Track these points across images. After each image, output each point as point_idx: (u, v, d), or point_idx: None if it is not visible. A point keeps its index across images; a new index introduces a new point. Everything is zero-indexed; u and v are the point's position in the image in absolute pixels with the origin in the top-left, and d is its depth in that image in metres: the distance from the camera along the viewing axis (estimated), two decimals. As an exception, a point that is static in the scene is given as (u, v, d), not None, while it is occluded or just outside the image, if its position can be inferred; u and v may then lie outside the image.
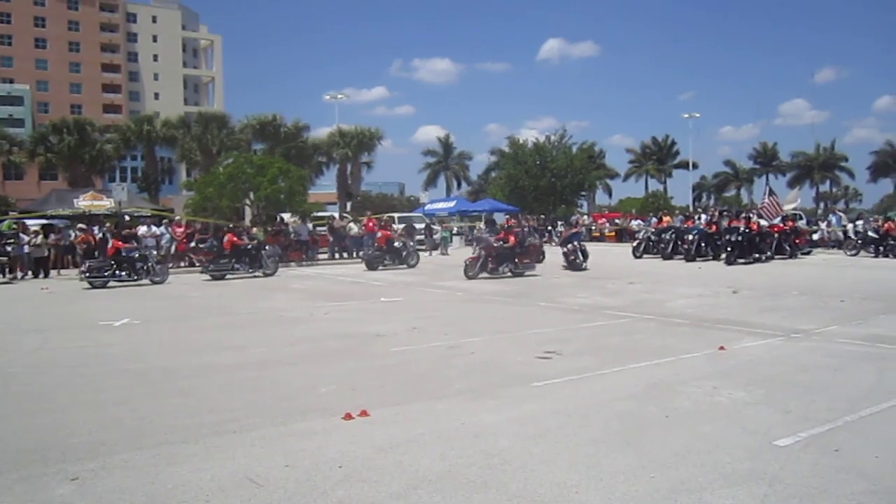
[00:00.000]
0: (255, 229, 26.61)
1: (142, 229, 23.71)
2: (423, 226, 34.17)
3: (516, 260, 19.95)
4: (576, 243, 22.15)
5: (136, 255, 19.61)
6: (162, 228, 24.61)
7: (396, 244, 23.97)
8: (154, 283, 19.63)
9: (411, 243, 24.68)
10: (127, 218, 25.82)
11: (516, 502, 4.11)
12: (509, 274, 19.76)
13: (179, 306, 14.96)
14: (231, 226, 23.51)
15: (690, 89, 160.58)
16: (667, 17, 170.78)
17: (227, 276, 20.97)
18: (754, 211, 29.04)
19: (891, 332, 10.07)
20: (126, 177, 62.86)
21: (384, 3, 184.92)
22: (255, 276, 21.31)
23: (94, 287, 18.70)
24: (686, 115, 67.20)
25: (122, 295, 17.09)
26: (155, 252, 21.66)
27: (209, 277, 20.79)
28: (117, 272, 19.28)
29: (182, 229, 24.91)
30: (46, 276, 22.34)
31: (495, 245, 19.67)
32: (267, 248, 22.25)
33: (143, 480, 4.54)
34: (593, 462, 4.77)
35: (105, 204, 28.23)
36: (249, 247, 21.43)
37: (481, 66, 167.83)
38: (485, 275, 19.38)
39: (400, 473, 4.59)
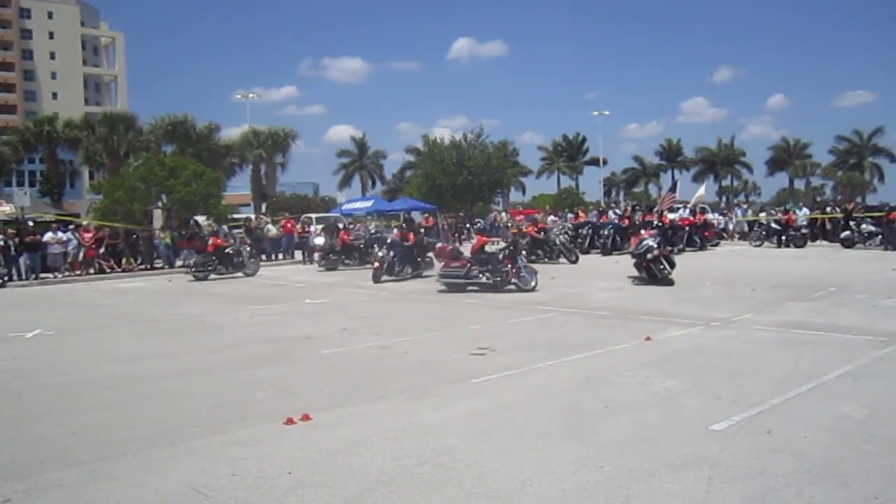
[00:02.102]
0: (162, 234, 25.75)
1: (47, 235, 22.57)
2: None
3: (418, 259, 19.61)
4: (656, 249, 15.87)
5: (232, 252, 21.79)
6: (69, 234, 23.48)
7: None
8: (246, 275, 21.64)
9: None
10: (31, 224, 24.50)
11: (474, 499, 4.14)
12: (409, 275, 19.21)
13: (93, 315, 14.32)
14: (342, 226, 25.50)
15: (596, 89, 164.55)
16: (571, 19, 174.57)
17: (339, 268, 23.33)
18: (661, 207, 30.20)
19: (801, 318, 10.63)
20: (24, 181, 59.75)
21: (291, 1, 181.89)
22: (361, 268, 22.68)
23: (197, 280, 20.78)
24: (596, 113, 69.16)
25: (30, 305, 16.26)
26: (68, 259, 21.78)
27: (324, 269, 23.29)
28: (218, 266, 21.41)
29: (91, 235, 23.83)
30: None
31: (405, 244, 19.17)
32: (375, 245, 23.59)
33: (81, 499, 4.34)
34: (542, 455, 4.85)
35: (5, 209, 26.80)
36: (361, 245, 23.86)
37: (392, 65, 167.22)
38: (386, 277, 18.53)
39: (352, 476, 4.54)
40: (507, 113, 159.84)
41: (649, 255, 15.54)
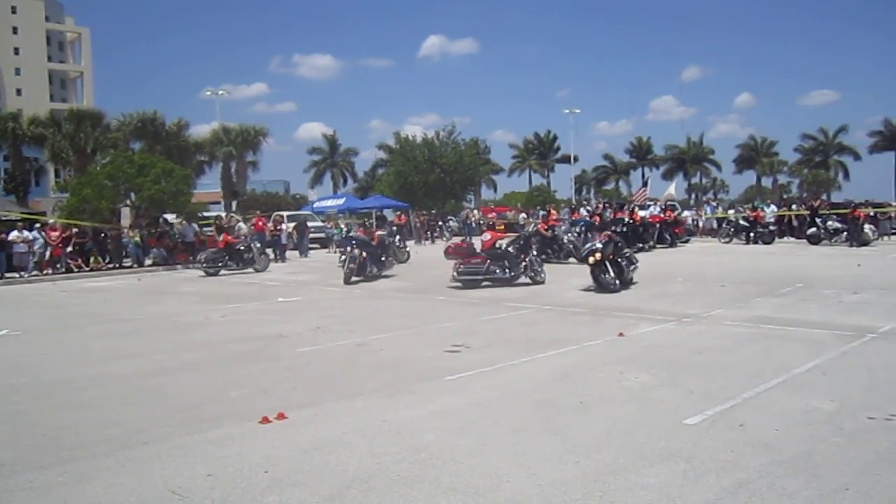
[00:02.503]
0: (131, 233, 25.39)
1: (13, 234, 22.16)
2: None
3: (382, 259, 19.18)
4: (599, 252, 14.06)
5: (243, 248, 22.15)
6: (34, 233, 23.07)
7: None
8: (256, 271, 21.94)
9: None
10: (-5, 222, 24.07)
11: (451, 495, 4.14)
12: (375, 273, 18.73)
13: (61, 315, 14.11)
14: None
15: (567, 87, 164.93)
16: (542, 17, 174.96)
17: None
18: (632, 203, 30.56)
19: (770, 313, 10.80)
20: (-13, 179, 58.50)
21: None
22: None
23: (208, 276, 21.09)
24: (567, 111, 69.70)
25: (-5, 305, 15.98)
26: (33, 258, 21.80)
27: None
28: (228, 262, 21.83)
29: (58, 233, 23.45)
30: None
31: (373, 244, 18.86)
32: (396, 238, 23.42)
33: (53, 501, 4.28)
34: (519, 451, 4.87)
35: (-32, 208, 26.24)
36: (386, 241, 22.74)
37: (363, 62, 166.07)
38: (354, 278, 17.86)
39: (329, 474, 4.53)
40: (479, 111, 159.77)
41: (591, 259, 14.03)
